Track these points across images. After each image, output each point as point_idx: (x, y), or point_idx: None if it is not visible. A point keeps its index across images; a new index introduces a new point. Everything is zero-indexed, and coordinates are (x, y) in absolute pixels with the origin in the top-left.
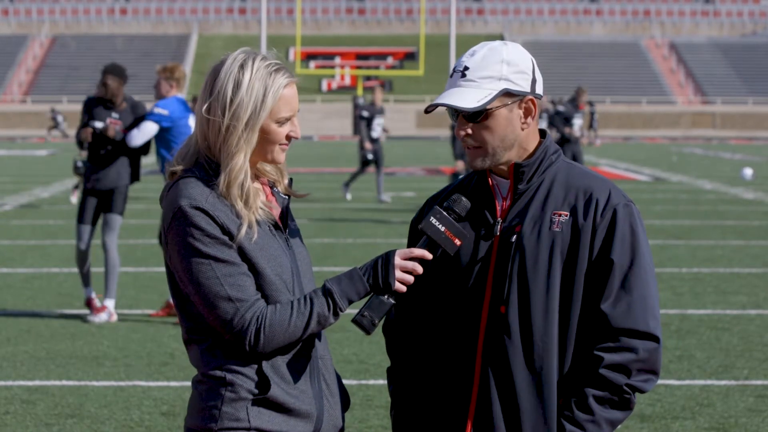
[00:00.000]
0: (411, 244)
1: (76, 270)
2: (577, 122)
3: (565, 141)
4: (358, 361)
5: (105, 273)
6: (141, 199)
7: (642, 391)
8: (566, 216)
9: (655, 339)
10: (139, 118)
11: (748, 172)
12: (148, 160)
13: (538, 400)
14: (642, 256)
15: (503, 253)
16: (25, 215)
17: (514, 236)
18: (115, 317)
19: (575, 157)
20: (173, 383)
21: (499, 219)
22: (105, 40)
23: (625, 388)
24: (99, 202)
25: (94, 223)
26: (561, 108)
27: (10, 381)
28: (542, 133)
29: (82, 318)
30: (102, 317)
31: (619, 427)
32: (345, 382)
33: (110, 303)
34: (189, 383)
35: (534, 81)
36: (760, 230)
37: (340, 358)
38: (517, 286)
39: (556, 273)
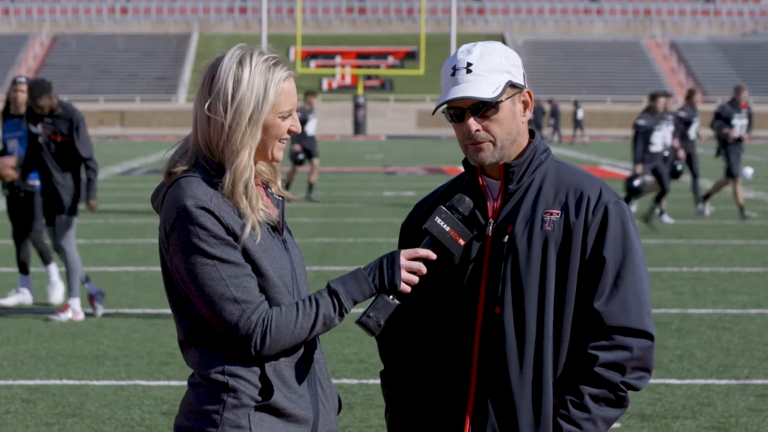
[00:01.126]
0: (402, 246)
1: None
2: (738, 122)
3: (724, 144)
4: (359, 361)
5: (66, 273)
6: (141, 199)
7: (636, 389)
8: (558, 214)
9: (649, 337)
10: (76, 121)
11: (749, 171)
12: (146, 160)
13: (535, 399)
14: (634, 252)
15: (496, 253)
16: None
17: (506, 236)
18: (80, 316)
19: (731, 160)
20: (174, 382)
21: (491, 219)
22: (105, 39)
23: (620, 386)
24: (51, 205)
25: (48, 224)
26: (720, 109)
27: (11, 380)
28: (531, 133)
29: (82, 317)
30: (63, 317)
31: (619, 426)
32: (345, 381)
33: (74, 302)
34: None
35: (524, 75)
36: (761, 229)
37: (341, 357)
38: (510, 287)
39: (549, 272)
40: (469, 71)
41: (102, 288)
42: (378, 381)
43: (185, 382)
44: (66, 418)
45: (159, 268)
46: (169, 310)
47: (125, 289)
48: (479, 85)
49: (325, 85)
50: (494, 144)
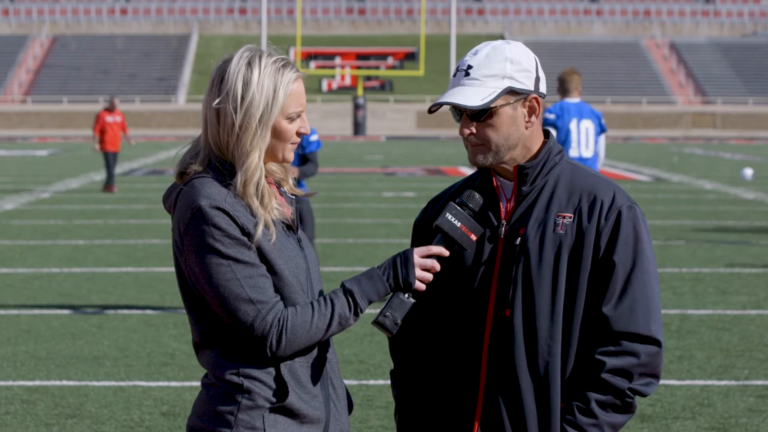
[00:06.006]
0: (414, 242)
1: (76, 270)
2: None
3: None
4: (359, 361)
5: None
6: (141, 200)
7: (643, 395)
8: (570, 218)
9: (657, 343)
10: None
11: (749, 172)
12: (146, 161)
13: (542, 402)
14: (645, 258)
15: (507, 255)
16: (25, 215)
17: (518, 238)
18: None
19: None
20: (173, 383)
21: (503, 221)
22: (105, 40)
23: (627, 392)
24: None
25: None
26: None
27: (11, 381)
28: (546, 134)
29: (82, 318)
30: None
31: None
32: (345, 382)
33: None
34: (189, 383)
35: (537, 79)
36: (760, 230)
37: (341, 358)
38: (521, 289)
39: (561, 275)
40: (467, 74)
41: (102, 288)
42: (378, 382)
43: (185, 383)
44: (66, 418)
45: (159, 269)
46: (169, 311)
47: (125, 289)
48: (469, 92)
49: (324, 86)
50: (488, 148)
